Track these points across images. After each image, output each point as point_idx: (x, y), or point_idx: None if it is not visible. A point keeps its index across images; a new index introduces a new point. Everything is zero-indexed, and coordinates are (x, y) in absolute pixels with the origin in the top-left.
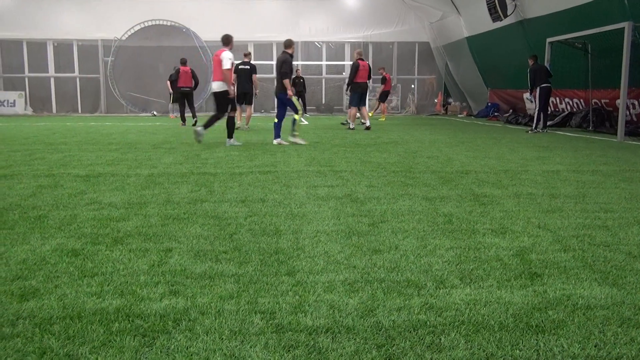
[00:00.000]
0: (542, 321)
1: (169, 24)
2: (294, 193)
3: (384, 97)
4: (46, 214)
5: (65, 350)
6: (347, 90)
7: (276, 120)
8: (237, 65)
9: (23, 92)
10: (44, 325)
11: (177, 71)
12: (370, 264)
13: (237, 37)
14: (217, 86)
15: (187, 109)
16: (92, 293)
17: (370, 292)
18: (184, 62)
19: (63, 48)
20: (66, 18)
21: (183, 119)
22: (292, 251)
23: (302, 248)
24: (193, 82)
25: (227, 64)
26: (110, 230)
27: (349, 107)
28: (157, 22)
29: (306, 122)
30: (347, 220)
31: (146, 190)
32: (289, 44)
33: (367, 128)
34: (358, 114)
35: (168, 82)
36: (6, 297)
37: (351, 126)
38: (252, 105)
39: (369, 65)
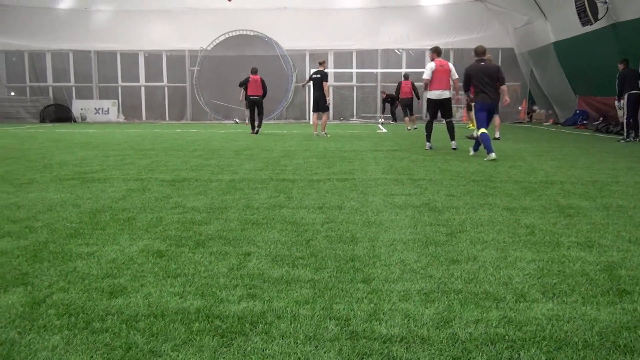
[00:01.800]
0: (632, 341)
1: (252, 33)
2: (371, 201)
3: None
4: (134, 216)
5: (149, 346)
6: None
7: (484, 130)
8: (312, 73)
9: (116, 101)
10: (130, 322)
11: (247, 79)
12: (447, 274)
13: (316, 46)
14: None
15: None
16: (175, 293)
17: (446, 302)
18: (254, 71)
19: (153, 59)
20: (156, 30)
21: (253, 127)
22: (368, 259)
23: (378, 256)
24: (262, 91)
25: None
26: (193, 233)
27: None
28: (241, 32)
29: (384, 130)
30: (424, 230)
31: (227, 195)
32: (482, 51)
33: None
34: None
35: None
36: (97, 294)
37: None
38: (328, 113)
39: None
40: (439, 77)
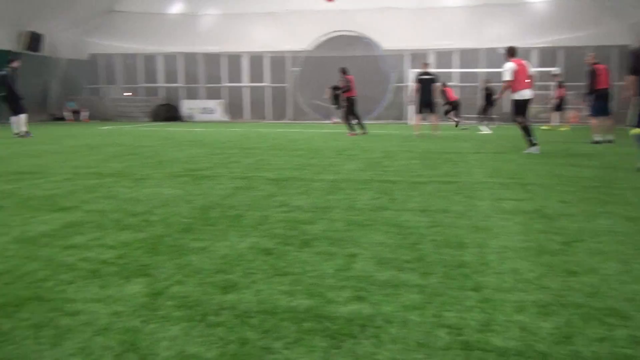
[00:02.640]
0: None
1: (352, 34)
2: (477, 205)
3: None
4: (242, 213)
5: (262, 343)
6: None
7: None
8: (418, 75)
9: (222, 100)
10: (243, 318)
11: (349, 81)
12: (565, 286)
13: (417, 46)
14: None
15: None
16: (284, 291)
17: (566, 317)
18: (345, 71)
19: (256, 60)
20: (260, 32)
21: (352, 128)
22: (478, 266)
23: (488, 263)
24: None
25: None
26: (299, 232)
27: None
28: (341, 33)
29: (487, 131)
30: (536, 237)
31: (330, 195)
32: None
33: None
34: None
35: (331, 90)
36: (211, 288)
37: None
38: (436, 114)
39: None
40: (524, 77)
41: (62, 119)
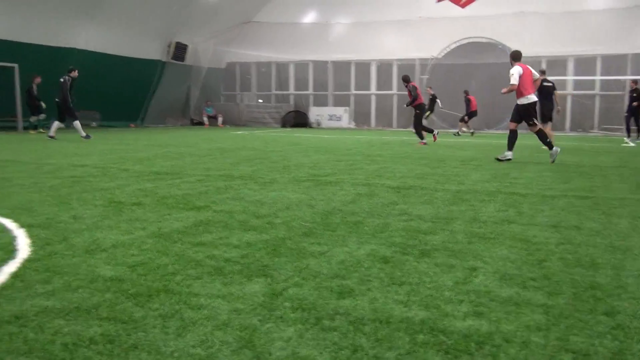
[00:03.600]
0: None
1: (484, 41)
2: (615, 223)
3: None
4: (362, 220)
5: (374, 351)
6: None
7: None
8: (542, 82)
9: (348, 108)
10: (357, 325)
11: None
12: None
13: (553, 52)
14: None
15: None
16: (399, 301)
17: None
18: (408, 79)
19: (384, 67)
20: (389, 40)
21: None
22: (612, 289)
23: (624, 287)
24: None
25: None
26: (418, 242)
27: None
28: (472, 40)
29: (632, 145)
30: None
31: (453, 205)
32: None
33: None
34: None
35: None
36: (327, 293)
37: None
38: (551, 123)
39: None
40: (530, 80)
41: (201, 123)
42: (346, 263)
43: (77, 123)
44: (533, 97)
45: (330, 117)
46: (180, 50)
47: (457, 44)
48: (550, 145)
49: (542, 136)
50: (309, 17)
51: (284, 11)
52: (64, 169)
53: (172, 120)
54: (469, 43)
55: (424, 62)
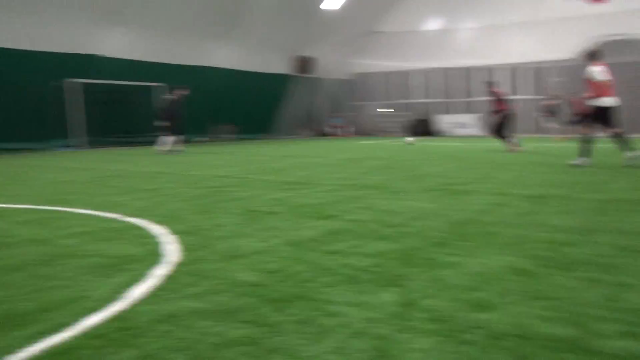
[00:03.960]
0: None
1: (624, 37)
2: None
3: None
4: (498, 230)
5: None
6: None
7: None
8: None
9: (477, 115)
10: (497, 339)
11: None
12: None
13: None
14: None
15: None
16: (542, 316)
17: None
18: (492, 85)
19: (512, 72)
20: (517, 43)
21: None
22: None
23: None
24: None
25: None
26: (559, 254)
27: None
28: (611, 38)
29: None
30: None
31: (597, 216)
32: None
33: None
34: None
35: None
36: (463, 305)
37: None
38: None
39: None
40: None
41: (328, 134)
42: (483, 275)
43: (170, 139)
44: (611, 100)
45: (458, 125)
46: (306, 64)
47: (594, 42)
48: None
49: (622, 141)
50: (434, 24)
51: (407, 19)
52: (207, 180)
53: (300, 132)
54: (610, 41)
55: (555, 64)
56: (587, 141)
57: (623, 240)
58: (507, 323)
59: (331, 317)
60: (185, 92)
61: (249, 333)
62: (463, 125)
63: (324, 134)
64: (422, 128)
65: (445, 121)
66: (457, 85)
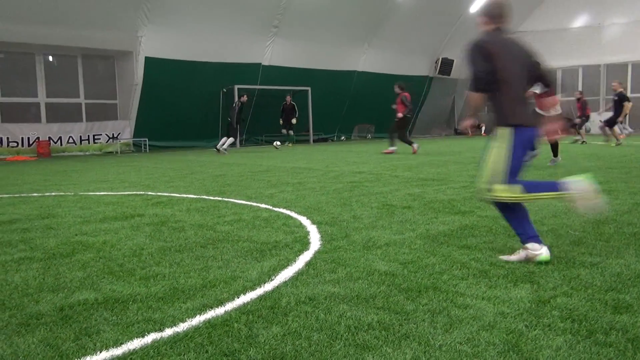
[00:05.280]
0: None
1: None
2: None
3: None
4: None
5: None
6: None
7: None
8: None
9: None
10: (637, 342)
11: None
12: None
13: None
14: None
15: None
16: None
17: None
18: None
19: None
20: None
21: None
22: None
23: None
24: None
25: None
26: None
27: None
28: None
29: None
30: None
31: None
32: None
33: None
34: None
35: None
36: (600, 305)
37: None
38: None
39: None
40: None
41: (465, 133)
42: (622, 276)
43: (230, 140)
44: None
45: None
46: (446, 65)
47: None
48: None
49: None
50: (580, 21)
51: (551, 18)
52: (345, 175)
53: (437, 131)
54: None
55: None
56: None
57: None
58: None
59: (462, 309)
60: (244, 100)
61: (383, 319)
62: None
63: (460, 133)
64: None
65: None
66: (602, 82)
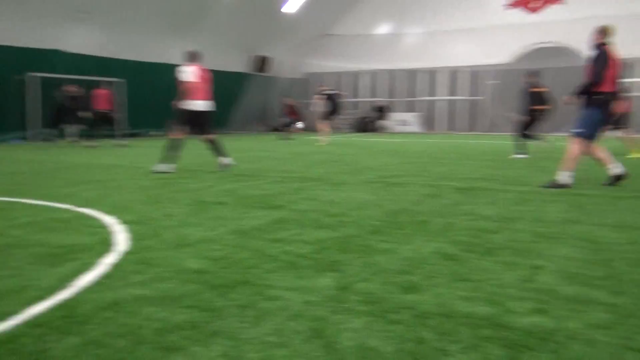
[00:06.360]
0: None
1: (553, 45)
2: None
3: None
4: (428, 219)
5: (438, 344)
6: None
7: None
8: None
9: (417, 113)
10: (422, 318)
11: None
12: None
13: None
14: None
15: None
16: (463, 297)
17: None
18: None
19: (453, 74)
20: (458, 48)
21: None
22: None
23: None
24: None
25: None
26: (483, 240)
27: None
28: (542, 45)
29: None
30: None
31: (517, 206)
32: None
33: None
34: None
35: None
36: (393, 288)
37: None
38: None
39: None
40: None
41: (278, 130)
42: (412, 260)
43: (74, 129)
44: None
45: (400, 122)
46: (262, 63)
47: (527, 49)
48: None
49: None
50: (382, 29)
51: (359, 24)
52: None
53: (253, 128)
54: (539, 48)
55: (493, 67)
56: (175, 147)
57: (539, 227)
58: (431, 303)
59: (271, 301)
60: (73, 89)
61: (192, 318)
62: (404, 122)
63: (276, 130)
64: (368, 125)
65: (391, 119)
66: (400, 85)
